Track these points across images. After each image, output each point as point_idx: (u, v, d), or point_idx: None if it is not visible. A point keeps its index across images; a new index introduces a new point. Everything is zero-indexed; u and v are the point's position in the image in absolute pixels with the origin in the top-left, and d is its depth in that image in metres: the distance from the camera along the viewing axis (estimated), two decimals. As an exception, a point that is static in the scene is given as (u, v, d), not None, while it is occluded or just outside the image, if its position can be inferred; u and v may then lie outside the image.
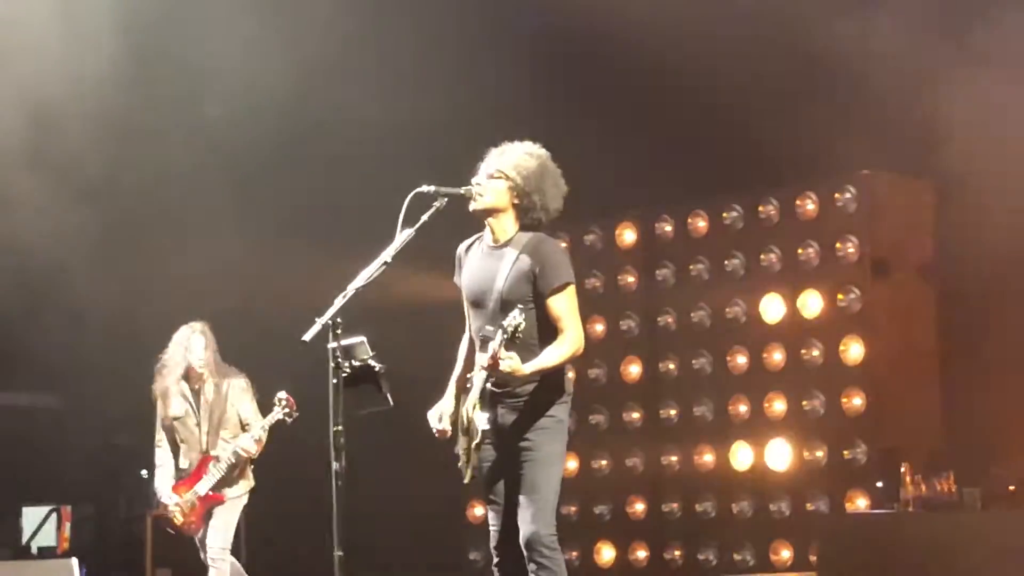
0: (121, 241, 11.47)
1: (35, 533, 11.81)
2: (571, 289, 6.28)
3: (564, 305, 6.22)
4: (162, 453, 8.96)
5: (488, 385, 6.16)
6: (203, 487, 8.75)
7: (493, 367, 6.01)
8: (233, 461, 8.73)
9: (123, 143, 10.81)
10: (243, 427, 8.78)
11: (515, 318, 5.98)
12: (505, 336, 5.97)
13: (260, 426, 8.67)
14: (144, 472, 11.77)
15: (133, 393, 11.38)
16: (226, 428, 8.81)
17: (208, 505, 8.81)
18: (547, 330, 6.22)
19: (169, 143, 11.06)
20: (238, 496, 8.89)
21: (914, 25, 9.79)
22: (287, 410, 8.59)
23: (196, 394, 8.85)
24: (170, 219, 11.48)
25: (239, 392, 8.81)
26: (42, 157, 10.60)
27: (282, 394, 8.61)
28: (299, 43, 10.69)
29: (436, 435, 6.37)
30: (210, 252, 11.29)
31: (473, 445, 6.19)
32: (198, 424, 8.86)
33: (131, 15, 10.37)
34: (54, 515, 11.76)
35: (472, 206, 6.32)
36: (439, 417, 6.40)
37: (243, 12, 10.67)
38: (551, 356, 6.16)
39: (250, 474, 8.94)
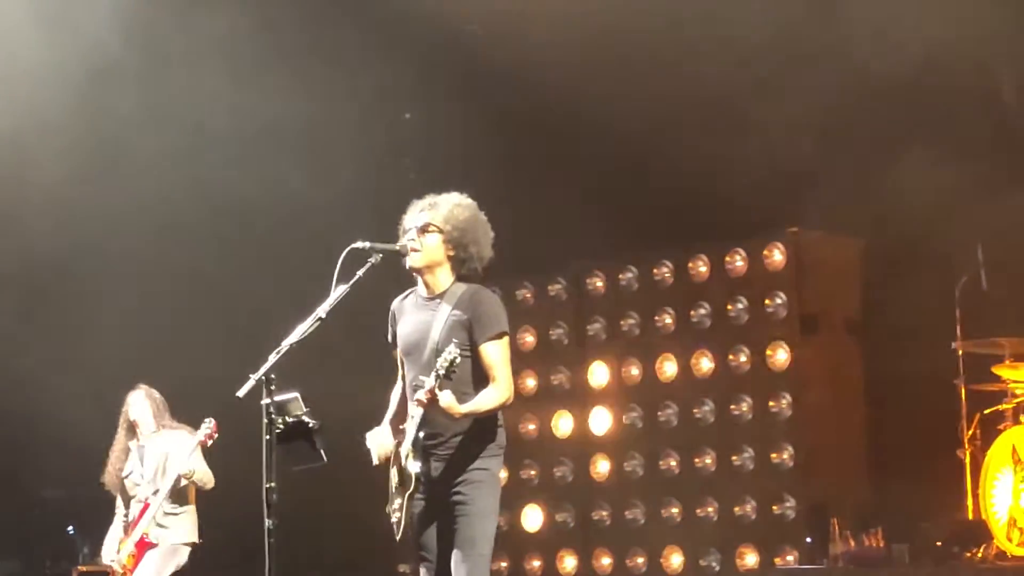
0: (48, 301, 11.43)
1: (-39, 590, 11.66)
2: (505, 339, 6.30)
3: (497, 354, 6.24)
4: (116, 515, 9.05)
5: (420, 435, 6.16)
6: (136, 534, 8.75)
7: (431, 402, 6.01)
8: (170, 486, 8.72)
9: (45, 213, 10.82)
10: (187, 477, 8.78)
11: (451, 352, 5.99)
12: (441, 371, 5.99)
13: (189, 450, 8.69)
14: (71, 528, 11.66)
15: (61, 447, 11.31)
16: (168, 477, 8.80)
17: (144, 551, 8.79)
18: (480, 379, 6.23)
19: (89, 213, 11.05)
20: (170, 545, 8.82)
21: (840, 88, 9.94)
22: (208, 431, 8.58)
23: (142, 450, 8.95)
24: (95, 283, 11.45)
25: (182, 443, 8.82)
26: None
27: (208, 419, 8.63)
28: (228, 114, 10.73)
29: (375, 460, 6.35)
30: (137, 314, 11.28)
31: (407, 495, 6.18)
32: (142, 476, 8.89)
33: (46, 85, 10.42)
34: (-21, 571, 11.62)
35: (408, 263, 6.33)
36: (379, 445, 6.38)
37: (158, 82, 10.73)
38: (485, 399, 6.17)
39: (190, 525, 8.89)
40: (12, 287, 11.13)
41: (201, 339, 11.23)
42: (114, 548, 8.95)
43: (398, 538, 6.29)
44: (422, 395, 6.02)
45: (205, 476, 8.81)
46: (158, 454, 8.92)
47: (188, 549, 8.87)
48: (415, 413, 6.18)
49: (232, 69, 10.62)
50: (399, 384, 6.52)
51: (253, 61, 10.67)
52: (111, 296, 11.32)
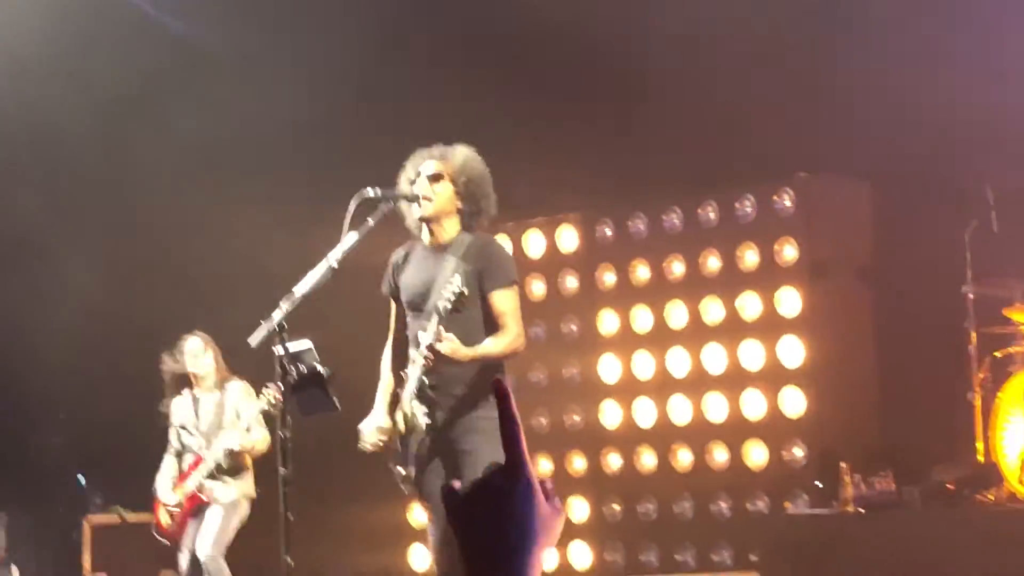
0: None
1: (-29, 542, 11.67)
2: (515, 289, 6.34)
3: (507, 303, 6.27)
4: (167, 458, 9.05)
5: (425, 380, 6.17)
6: (189, 486, 8.77)
7: (433, 347, 6.02)
8: (219, 458, 8.71)
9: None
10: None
11: (455, 286, 6.01)
12: (448, 304, 6.00)
13: (245, 422, 8.66)
14: (81, 476, 11.68)
15: (69, 394, 11.35)
16: (225, 431, 8.79)
17: (193, 506, 8.81)
18: (491, 329, 6.24)
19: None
20: (230, 501, 8.81)
21: (851, 27, 9.89)
22: (271, 400, 8.32)
23: (197, 401, 8.91)
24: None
25: (239, 395, 8.79)
26: None
27: (269, 385, 8.38)
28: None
29: (369, 449, 6.37)
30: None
31: (418, 441, 6.20)
32: (197, 427, 8.87)
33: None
34: (-10, 522, 11.63)
35: (420, 212, 6.34)
36: (374, 431, 6.40)
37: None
38: (491, 345, 6.20)
39: (249, 481, 8.88)
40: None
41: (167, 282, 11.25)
42: (168, 487, 8.93)
43: (407, 492, 6.32)
44: (427, 339, 6.02)
45: (261, 444, 8.76)
46: (215, 407, 8.86)
47: (248, 502, 8.87)
48: (418, 359, 6.19)
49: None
50: (388, 349, 6.51)
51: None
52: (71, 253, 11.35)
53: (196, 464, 8.81)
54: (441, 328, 6.00)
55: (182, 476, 8.84)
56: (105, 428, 11.45)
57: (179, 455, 9.00)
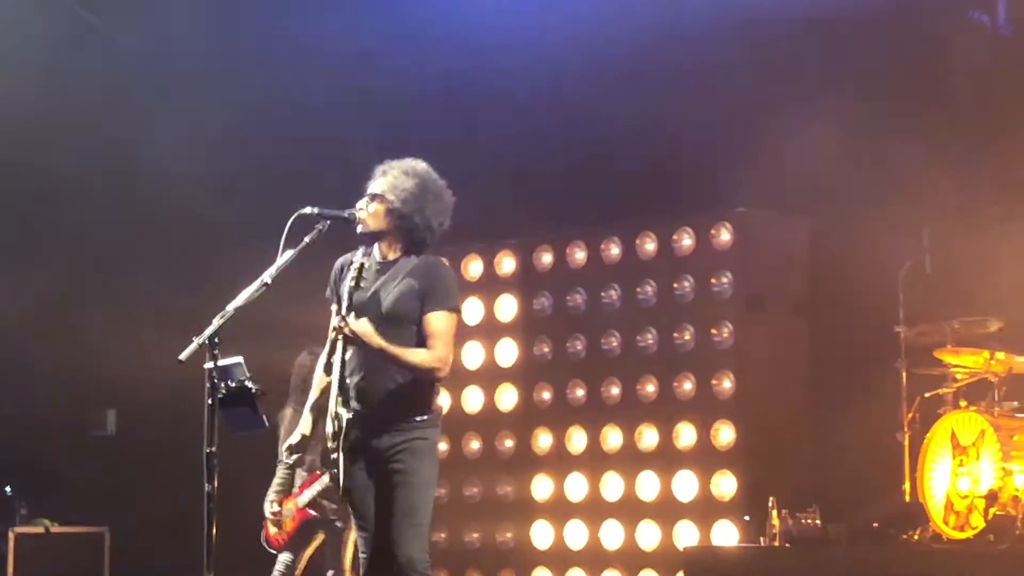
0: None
1: None
2: (454, 316, 6.31)
3: (442, 325, 6.24)
4: (279, 470, 8.93)
5: (348, 381, 6.15)
6: (303, 500, 8.71)
7: (342, 329, 6.03)
8: None
9: None
10: None
11: (361, 256, 6.06)
12: (353, 277, 6.03)
13: None
14: (8, 488, 11.56)
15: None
16: None
17: (302, 520, 8.75)
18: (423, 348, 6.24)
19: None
20: (343, 520, 8.72)
21: (790, 67, 9.99)
22: None
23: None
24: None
25: None
26: None
27: None
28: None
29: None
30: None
31: (341, 441, 6.17)
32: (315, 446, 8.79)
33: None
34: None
35: (358, 230, 6.35)
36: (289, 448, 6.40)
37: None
38: (411, 353, 6.15)
39: None
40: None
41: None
42: (268, 501, 8.85)
43: (340, 494, 6.31)
44: (335, 322, 6.04)
45: None
46: None
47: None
48: (343, 358, 6.18)
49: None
50: (323, 355, 6.46)
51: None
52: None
53: (312, 479, 8.75)
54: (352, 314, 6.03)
55: (299, 490, 8.77)
56: (30, 439, 11.36)
57: (290, 468, 8.85)
